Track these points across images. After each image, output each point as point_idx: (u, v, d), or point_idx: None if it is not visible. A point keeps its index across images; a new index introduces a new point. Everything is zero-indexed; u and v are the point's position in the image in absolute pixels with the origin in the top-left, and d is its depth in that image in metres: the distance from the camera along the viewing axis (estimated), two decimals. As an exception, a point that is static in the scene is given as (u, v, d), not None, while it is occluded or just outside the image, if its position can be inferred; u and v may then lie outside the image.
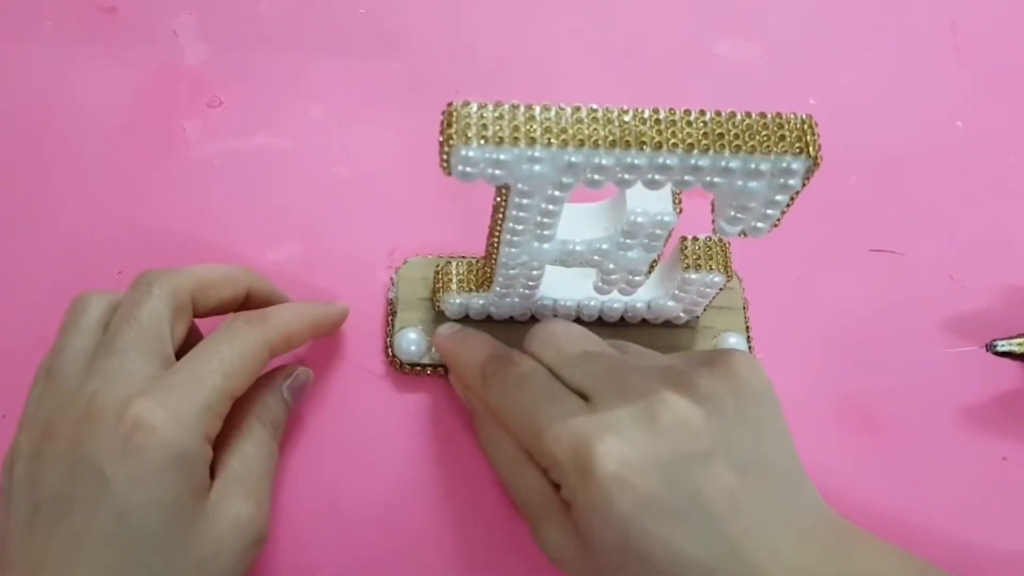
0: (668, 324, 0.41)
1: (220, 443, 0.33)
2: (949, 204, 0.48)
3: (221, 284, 0.36)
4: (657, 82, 0.50)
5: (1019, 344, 0.41)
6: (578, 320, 0.41)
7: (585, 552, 0.31)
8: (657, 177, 0.28)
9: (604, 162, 0.28)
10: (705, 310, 0.41)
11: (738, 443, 0.31)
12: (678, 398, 0.31)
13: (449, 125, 0.27)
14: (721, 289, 0.38)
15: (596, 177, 0.28)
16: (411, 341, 0.40)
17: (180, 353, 0.33)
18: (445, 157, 0.27)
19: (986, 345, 0.42)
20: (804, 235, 0.45)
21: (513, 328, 0.41)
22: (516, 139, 0.27)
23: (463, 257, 0.41)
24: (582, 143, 0.27)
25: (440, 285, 0.39)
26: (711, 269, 0.37)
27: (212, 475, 0.32)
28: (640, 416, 0.31)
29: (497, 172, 0.28)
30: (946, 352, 0.44)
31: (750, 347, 0.41)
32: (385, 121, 0.47)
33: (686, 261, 0.37)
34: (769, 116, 0.28)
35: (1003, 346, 0.42)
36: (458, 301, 0.39)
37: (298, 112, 0.47)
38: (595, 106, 0.28)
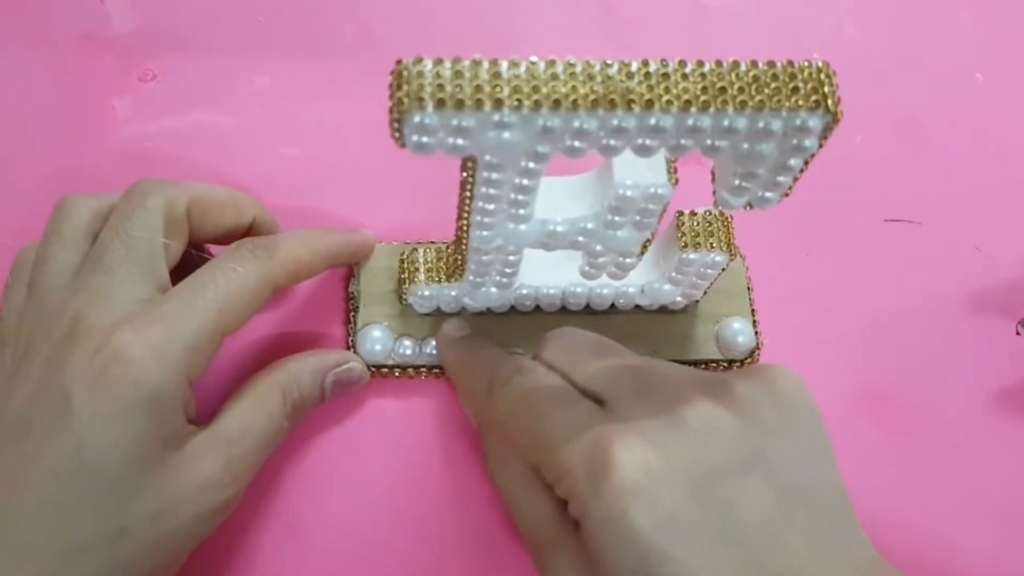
0: (664, 310, 0.38)
1: (231, 396, 0.32)
2: (970, 166, 0.44)
3: (223, 206, 0.34)
4: (642, 39, 0.46)
5: (1055, 320, 0.38)
6: (563, 310, 0.37)
7: None
8: (648, 142, 0.24)
9: (585, 126, 0.24)
10: (705, 293, 0.37)
11: (778, 459, 0.27)
12: (709, 402, 0.28)
13: (399, 87, 0.23)
14: (723, 270, 0.34)
15: (577, 144, 0.24)
16: (375, 340, 0.36)
17: (177, 273, 0.32)
18: (396, 125, 0.24)
19: (1019, 322, 0.38)
20: (810, 206, 0.41)
21: (492, 321, 0.37)
22: (479, 101, 0.23)
23: (432, 243, 0.38)
24: (558, 104, 0.23)
25: (406, 275, 0.36)
26: (712, 247, 0.33)
27: (200, 422, 0.30)
28: (665, 420, 0.27)
29: (459, 142, 0.24)
30: (974, 331, 0.40)
31: (756, 332, 0.38)
32: (338, 92, 0.43)
33: (684, 239, 0.33)
34: (779, 65, 0.24)
35: None
36: (427, 293, 0.35)
37: (240, 85, 0.43)
38: (573, 59, 0.24)
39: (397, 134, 0.24)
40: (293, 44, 0.44)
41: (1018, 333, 0.39)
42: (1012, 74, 0.47)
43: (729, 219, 0.33)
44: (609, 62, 0.24)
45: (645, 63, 0.24)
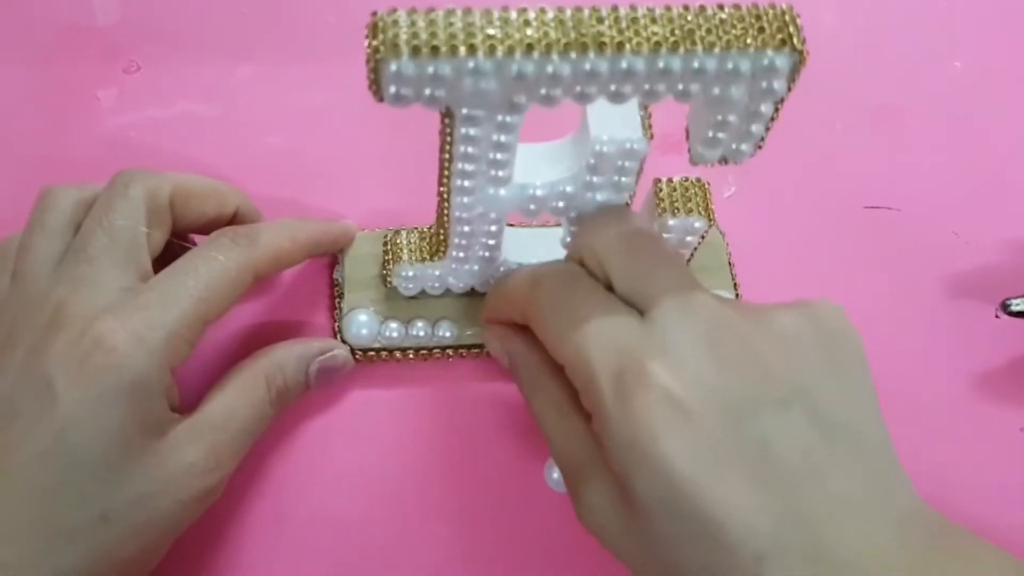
0: (647, 285, 0.37)
1: (216, 384, 0.32)
2: (948, 152, 0.44)
3: (206, 195, 0.34)
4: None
5: (1035, 303, 0.37)
6: None
7: (629, 515, 0.25)
8: (621, 87, 0.25)
9: (559, 71, 0.24)
10: (688, 264, 0.37)
11: (822, 395, 0.25)
12: (754, 332, 0.26)
13: (374, 36, 0.24)
14: (703, 237, 0.34)
15: (552, 92, 0.25)
16: (362, 324, 0.36)
17: (160, 262, 0.32)
18: (372, 76, 0.24)
19: (999, 305, 0.38)
20: (791, 193, 0.42)
21: (476, 300, 0.37)
22: (454, 48, 0.23)
23: (415, 228, 0.37)
24: (531, 48, 0.24)
25: (390, 257, 0.36)
26: (690, 212, 0.33)
27: (185, 411, 0.30)
28: (707, 346, 0.25)
29: (437, 92, 0.24)
30: (954, 315, 0.40)
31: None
32: (320, 81, 0.43)
33: (662, 205, 0.33)
34: (745, 8, 0.25)
35: (1018, 305, 0.37)
36: (411, 273, 0.35)
37: (224, 74, 0.43)
38: (545, 7, 0.24)
39: (374, 85, 0.24)
40: (275, 34, 0.44)
41: (997, 316, 0.39)
42: (989, 61, 0.47)
43: (706, 185, 0.33)
44: (580, 8, 0.24)
45: (615, 8, 0.24)
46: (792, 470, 0.24)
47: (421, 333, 0.36)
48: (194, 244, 0.35)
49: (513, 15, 0.24)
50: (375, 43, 0.24)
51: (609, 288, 0.29)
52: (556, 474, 0.35)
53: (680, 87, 0.25)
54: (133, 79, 0.42)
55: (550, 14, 0.24)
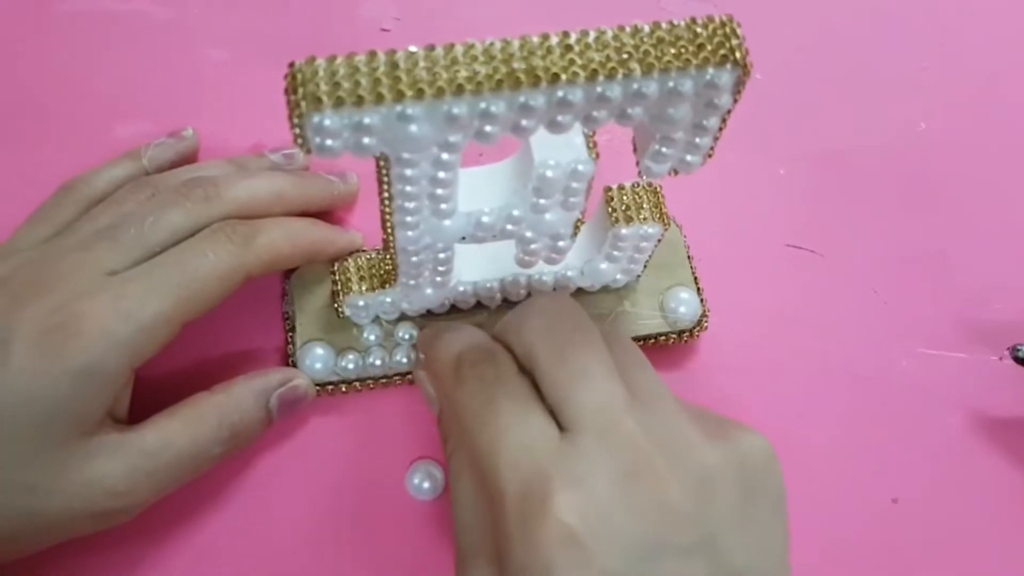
0: (607, 289, 0.37)
1: (166, 409, 0.30)
2: (893, 211, 0.42)
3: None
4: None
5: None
6: (505, 302, 0.36)
7: None
8: (560, 118, 0.24)
9: (493, 108, 0.23)
10: (645, 267, 0.36)
11: (728, 544, 0.25)
12: (669, 467, 0.25)
13: (294, 90, 0.22)
14: (659, 241, 0.33)
15: (488, 129, 0.23)
16: (316, 358, 0.35)
17: None
18: (298, 131, 0.22)
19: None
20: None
21: (432, 323, 0.36)
22: (380, 96, 0.22)
23: (363, 251, 0.36)
24: (461, 88, 0.22)
25: (339, 287, 0.34)
26: (644, 220, 0.32)
27: (130, 422, 0.30)
28: (617, 477, 0.25)
29: (366, 140, 0.23)
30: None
31: (701, 300, 0.37)
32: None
33: (614, 214, 0.32)
34: (682, 24, 0.23)
35: None
36: (362, 303, 0.34)
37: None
38: (472, 41, 0.23)
39: (300, 140, 0.23)
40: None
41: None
42: (955, 128, 0.44)
43: (658, 189, 0.32)
44: (509, 39, 0.23)
45: (545, 36, 0.23)
46: None
47: (378, 362, 0.35)
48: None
49: (439, 52, 0.22)
50: (295, 98, 0.22)
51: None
52: (416, 479, 0.34)
53: (621, 111, 0.24)
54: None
55: (479, 48, 0.23)
